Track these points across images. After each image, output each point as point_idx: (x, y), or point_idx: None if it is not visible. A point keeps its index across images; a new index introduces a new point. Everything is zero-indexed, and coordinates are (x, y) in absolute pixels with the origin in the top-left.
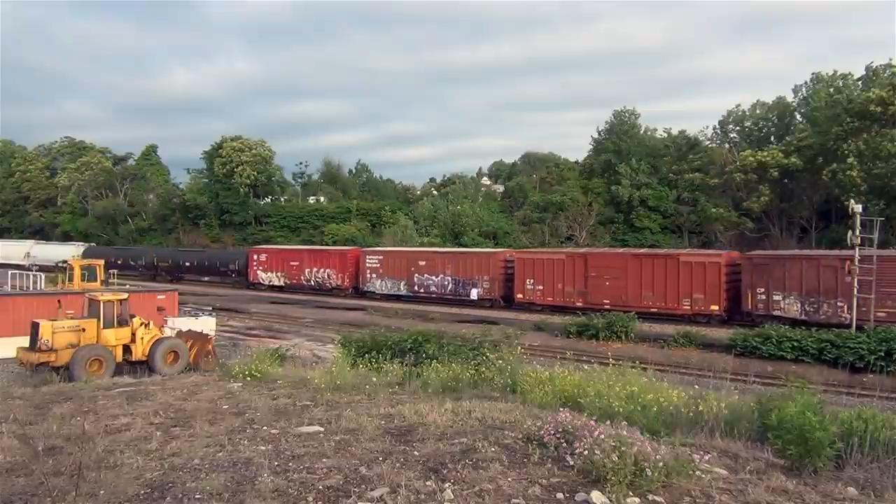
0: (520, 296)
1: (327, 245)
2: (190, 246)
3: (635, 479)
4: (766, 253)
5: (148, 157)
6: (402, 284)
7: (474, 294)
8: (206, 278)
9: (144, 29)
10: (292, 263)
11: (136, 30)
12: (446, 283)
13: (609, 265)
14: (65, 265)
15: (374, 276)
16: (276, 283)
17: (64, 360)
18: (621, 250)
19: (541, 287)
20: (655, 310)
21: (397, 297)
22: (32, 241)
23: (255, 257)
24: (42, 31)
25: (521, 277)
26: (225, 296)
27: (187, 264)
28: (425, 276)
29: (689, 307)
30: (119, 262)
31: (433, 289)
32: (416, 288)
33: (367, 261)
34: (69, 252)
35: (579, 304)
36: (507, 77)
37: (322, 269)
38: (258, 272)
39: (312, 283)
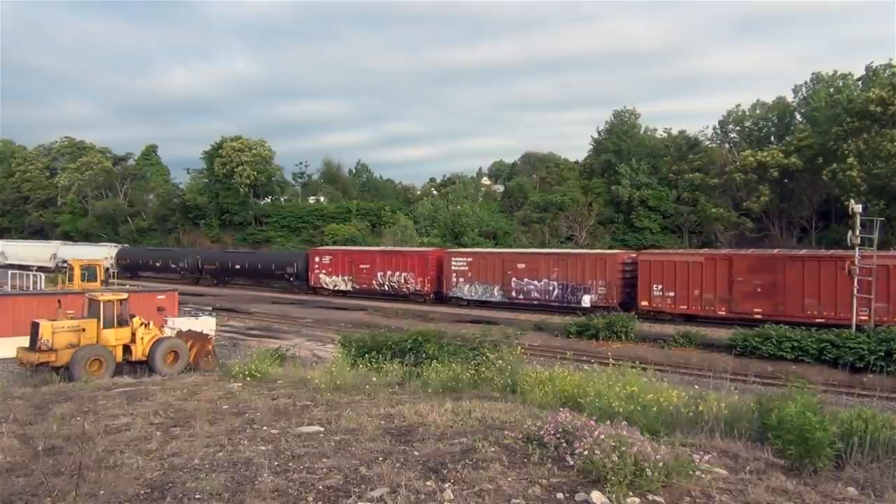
0: (644, 303)
1: (328, 245)
2: (233, 247)
3: (635, 479)
4: None
5: (148, 157)
6: (495, 290)
7: (587, 301)
8: (259, 282)
9: (144, 29)
10: (362, 266)
11: (135, 29)
12: (551, 288)
13: (761, 268)
14: (65, 265)
15: (461, 280)
16: (342, 287)
17: (64, 360)
18: (776, 251)
19: (672, 293)
20: (821, 320)
21: (489, 304)
22: (59, 241)
23: (317, 259)
24: (42, 31)
25: (645, 282)
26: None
27: (237, 267)
28: (525, 280)
29: (866, 317)
30: (158, 264)
31: (535, 295)
32: (513, 294)
33: (453, 263)
34: (101, 253)
35: (722, 314)
36: (507, 77)
37: (398, 273)
38: (320, 276)
39: (386, 287)
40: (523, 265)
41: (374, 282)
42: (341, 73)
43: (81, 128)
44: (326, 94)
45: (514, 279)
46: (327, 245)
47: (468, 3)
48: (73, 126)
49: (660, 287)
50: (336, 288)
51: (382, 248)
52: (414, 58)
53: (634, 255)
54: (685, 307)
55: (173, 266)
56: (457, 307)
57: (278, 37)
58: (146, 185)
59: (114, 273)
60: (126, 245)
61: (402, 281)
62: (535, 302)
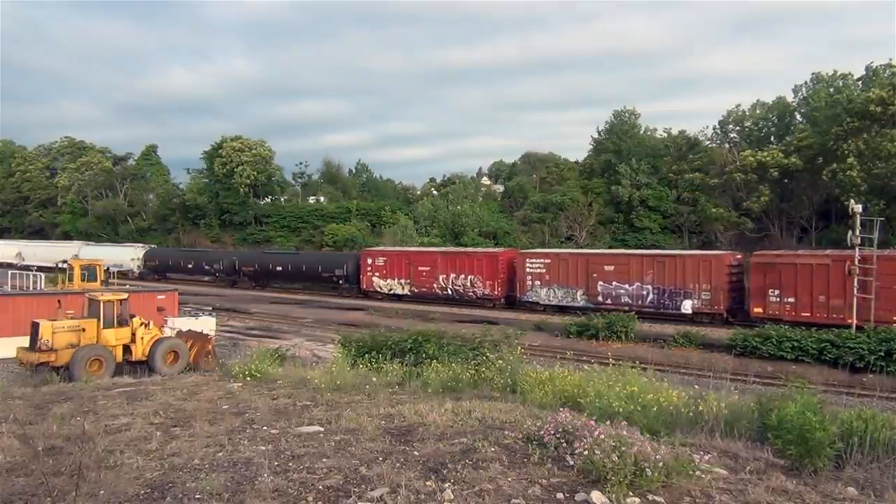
0: (758, 310)
1: (328, 246)
2: (281, 249)
3: (635, 479)
4: None
5: (148, 157)
6: (578, 294)
7: (688, 307)
8: (303, 286)
9: (143, 28)
10: (421, 269)
11: (134, 29)
12: (644, 293)
13: None
14: (65, 265)
15: (537, 283)
16: (399, 291)
17: (64, 360)
18: None
19: (791, 299)
20: None
21: (570, 310)
22: (80, 242)
23: (370, 261)
24: (41, 31)
25: (759, 286)
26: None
27: (278, 269)
28: (614, 284)
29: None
30: (190, 265)
31: (626, 300)
32: (599, 298)
33: (528, 265)
34: (128, 254)
35: (852, 321)
36: (507, 77)
37: (463, 276)
38: (373, 279)
39: (449, 291)
40: (611, 267)
41: (435, 285)
42: (340, 73)
43: (81, 128)
44: (325, 93)
45: (600, 283)
46: (326, 245)
47: (466, 2)
48: (73, 126)
49: (777, 292)
50: (391, 292)
51: (446, 248)
52: (412, 57)
53: (740, 255)
54: (808, 314)
55: (207, 268)
56: (531, 312)
57: (277, 36)
58: (146, 185)
59: (114, 273)
60: (153, 245)
61: (469, 284)
62: (626, 308)
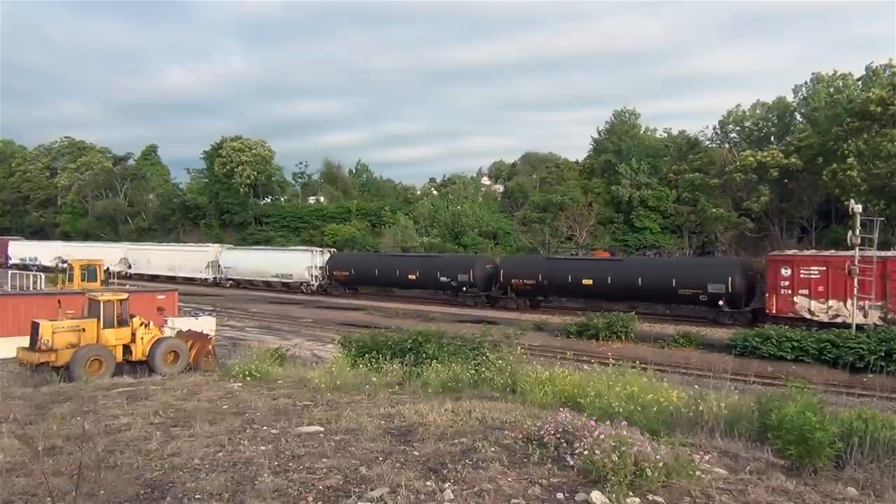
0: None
1: (327, 245)
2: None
3: (635, 479)
4: None
5: (148, 157)
6: None
7: None
8: (629, 306)
9: (141, 28)
10: None
11: (133, 29)
12: None
13: None
14: (65, 265)
15: None
16: (857, 319)
17: (64, 360)
18: None
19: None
20: None
21: None
22: (218, 245)
23: (786, 272)
24: (39, 31)
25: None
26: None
27: (584, 283)
28: None
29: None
30: (412, 276)
31: None
32: None
33: None
34: (301, 261)
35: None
36: (506, 76)
37: None
38: (793, 297)
39: None
40: None
41: None
42: (339, 73)
43: (81, 128)
44: (325, 93)
45: None
46: (327, 245)
47: (465, 2)
48: (73, 126)
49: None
50: (836, 319)
51: None
52: (412, 57)
53: None
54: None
55: (444, 280)
56: None
57: (275, 36)
58: (146, 185)
59: (109, 275)
60: (333, 250)
61: None
62: None
